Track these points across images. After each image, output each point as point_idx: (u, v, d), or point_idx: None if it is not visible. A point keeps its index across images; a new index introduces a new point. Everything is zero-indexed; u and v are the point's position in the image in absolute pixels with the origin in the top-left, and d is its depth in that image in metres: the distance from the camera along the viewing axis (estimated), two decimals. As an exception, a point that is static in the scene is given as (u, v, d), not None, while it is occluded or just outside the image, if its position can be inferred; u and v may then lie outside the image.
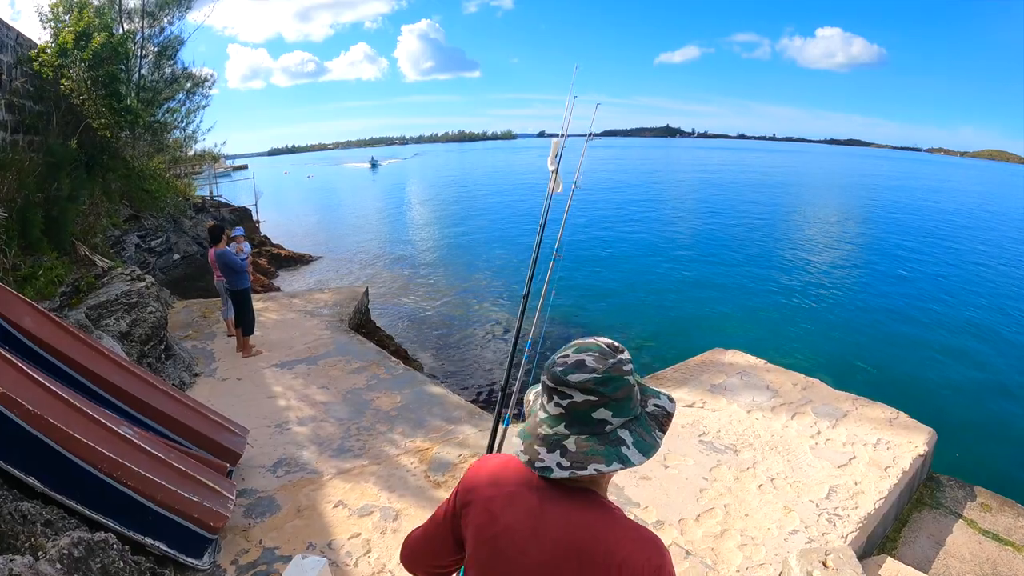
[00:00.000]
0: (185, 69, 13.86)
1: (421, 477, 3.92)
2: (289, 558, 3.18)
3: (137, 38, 12.35)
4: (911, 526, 3.72)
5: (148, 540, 3.00)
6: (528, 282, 2.51)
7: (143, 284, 5.49)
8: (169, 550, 3.03)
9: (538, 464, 0.94)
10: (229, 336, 6.78)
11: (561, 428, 0.95)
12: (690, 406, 4.79)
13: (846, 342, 10.58)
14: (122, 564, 2.72)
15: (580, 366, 0.94)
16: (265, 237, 17.65)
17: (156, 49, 13.08)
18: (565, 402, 0.94)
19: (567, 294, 13.28)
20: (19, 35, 7.38)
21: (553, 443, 0.94)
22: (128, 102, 9.12)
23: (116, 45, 8.40)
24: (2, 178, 4.87)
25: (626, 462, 0.91)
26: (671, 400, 1.03)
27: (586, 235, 20.82)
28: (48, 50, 7.33)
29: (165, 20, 12.92)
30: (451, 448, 4.30)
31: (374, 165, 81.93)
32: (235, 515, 3.52)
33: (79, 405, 3.08)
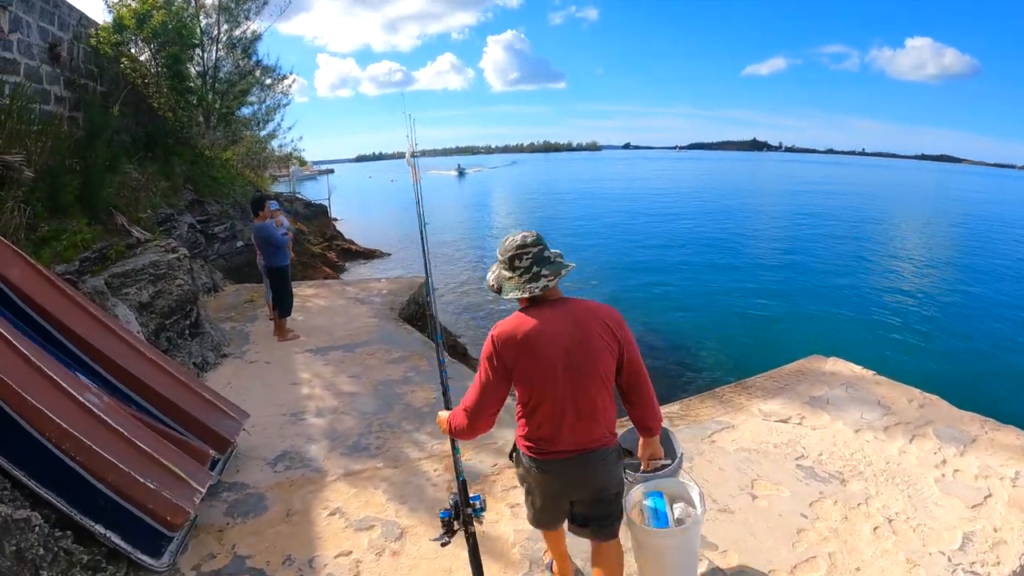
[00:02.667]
0: (259, 62, 14.67)
1: (442, 488, 3.30)
2: (261, 572, 2.69)
3: (212, 33, 13.26)
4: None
5: (99, 528, 2.63)
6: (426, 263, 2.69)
7: (174, 256, 5.46)
8: (122, 543, 2.65)
9: (537, 290, 1.91)
10: (271, 319, 6.67)
11: (533, 269, 1.93)
12: (784, 421, 4.01)
13: (962, 355, 9.74)
14: (43, 551, 2.36)
15: (525, 237, 1.97)
16: (337, 232, 18.31)
17: (232, 43, 13.94)
18: (530, 254, 1.94)
19: (646, 301, 12.58)
20: (82, 16, 7.97)
21: (535, 276, 1.92)
22: (191, 84, 9.61)
23: (180, 28, 8.88)
24: (36, 141, 5.04)
25: (563, 266, 1.98)
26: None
27: (666, 243, 19.99)
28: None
29: (241, 16, 13.77)
30: (486, 455, 3.65)
31: (461, 173, 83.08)
32: (215, 512, 3.13)
33: (40, 364, 2.82)
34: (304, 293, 7.93)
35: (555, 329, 1.88)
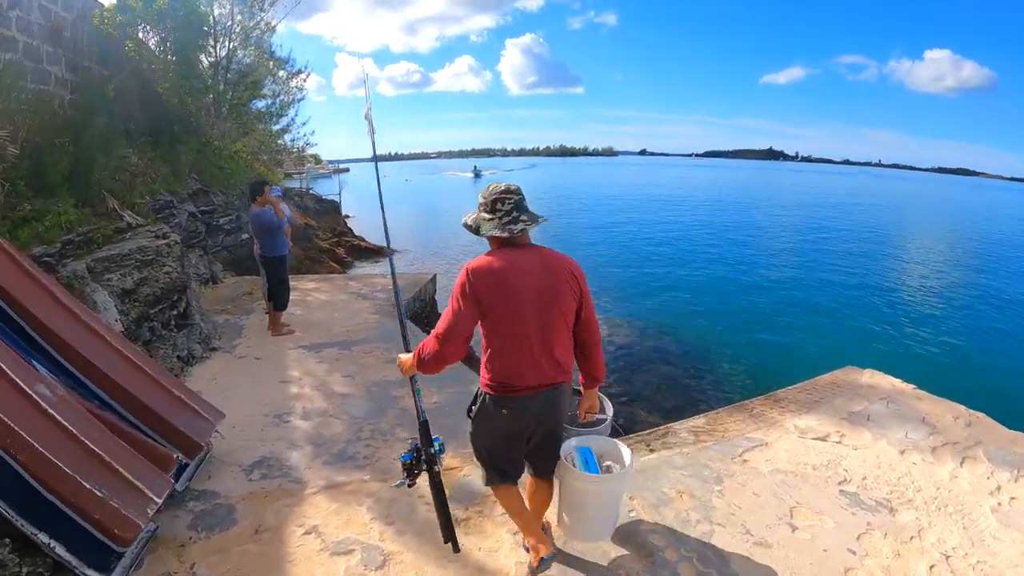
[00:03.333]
0: (272, 54, 14.50)
1: (434, 508, 2.93)
2: (221, 599, 2.35)
3: (226, 23, 13.12)
4: None
5: (42, 538, 2.31)
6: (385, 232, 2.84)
7: (163, 242, 5.17)
8: (67, 556, 2.33)
9: (516, 231, 2.10)
10: (267, 312, 6.38)
11: (513, 213, 2.11)
12: (823, 439, 3.67)
13: (999, 370, 9.25)
14: (-34, 568, 2.05)
15: (508, 186, 2.16)
16: (348, 228, 18.11)
17: (246, 34, 13.77)
18: (512, 200, 2.12)
19: (665, 308, 12.18)
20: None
21: (514, 219, 2.11)
22: (202, 72, 9.44)
23: (189, 13, 8.68)
24: (25, 118, 4.79)
25: (536, 219, 2.15)
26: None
27: (685, 251, 19.53)
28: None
29: (255, 6, 13.59)
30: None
31: (477, 174, 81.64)
32: (179, 523, 2.80)
33: (-14, 350, 2.52)
34: (305, 287, 7.66)
35: (526, 267, 2.06)
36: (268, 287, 5.76)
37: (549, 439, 2.30)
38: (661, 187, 58.91)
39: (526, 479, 2.45)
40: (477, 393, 2.25)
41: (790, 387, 4.57)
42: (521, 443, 2.28)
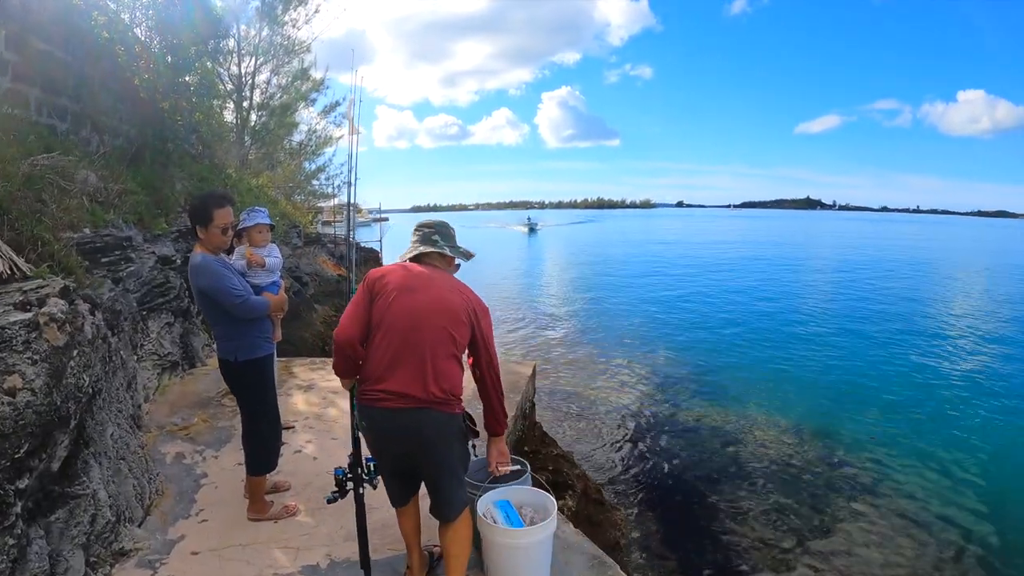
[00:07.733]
0: (305, 71, 12.65)
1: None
2: None
3: (254, 40, 11.48)
4: None
5: None
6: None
7: (28, 316, 2.46)
8: None
9: (408, 256, 2.32)
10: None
11: (420, 244, 2.32)
12: None
13: None
14: None
15: (430, 221, 2.41)
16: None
17: (274, 52, 12.08)
18: (423, 232, 2.36)
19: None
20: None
21: (414, 247, 2.33)
22: (207, 72, 7.31)
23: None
24: None
25: (442, 249, 2.30)
26: (472, 254, 2.43)
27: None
28: None
29: (286, 17, 11.92)
30: None
31: (532, 229, 70.75)
32: None
33: None
34: (332, 382, 4.82)
35: (419, 275, 2.22)
36: (243, 425, 2.91)
37: (431, 469, 2.19)
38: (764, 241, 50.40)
39: None
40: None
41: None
42: (393, 464, 2.22)
